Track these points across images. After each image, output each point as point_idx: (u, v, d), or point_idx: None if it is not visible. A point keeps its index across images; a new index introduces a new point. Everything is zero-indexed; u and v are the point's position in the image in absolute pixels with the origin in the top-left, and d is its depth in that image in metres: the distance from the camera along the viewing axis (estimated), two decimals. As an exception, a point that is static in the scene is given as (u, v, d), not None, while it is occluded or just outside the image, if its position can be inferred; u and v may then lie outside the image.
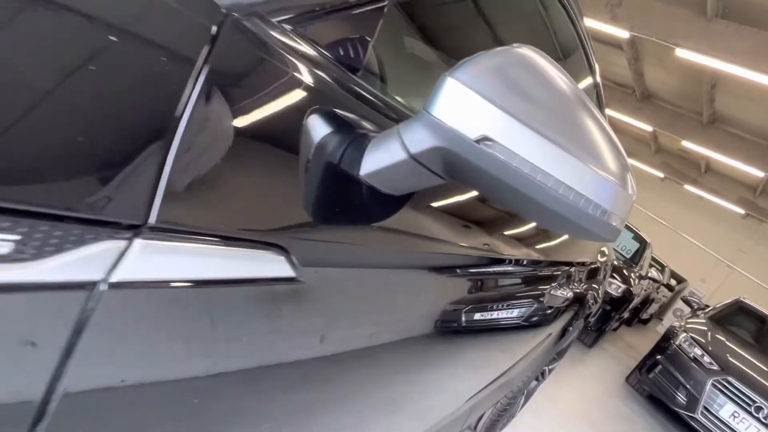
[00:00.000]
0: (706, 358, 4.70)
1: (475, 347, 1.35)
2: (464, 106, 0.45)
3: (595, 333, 5.74)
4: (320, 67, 0.49)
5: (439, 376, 1.12)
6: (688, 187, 14.66)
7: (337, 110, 0.50)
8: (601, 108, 2.18)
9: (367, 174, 0.49)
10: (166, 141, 0.34)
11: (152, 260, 0.34)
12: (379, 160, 0.48)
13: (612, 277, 5.66)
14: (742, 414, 4.29)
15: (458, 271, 0.97)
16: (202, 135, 0.37)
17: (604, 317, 5.58)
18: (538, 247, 1.45)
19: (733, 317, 5.87)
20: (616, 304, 5.61)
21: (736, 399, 4.37)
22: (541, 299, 1.52)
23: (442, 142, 0.45)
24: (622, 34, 7.62)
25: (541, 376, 2.63)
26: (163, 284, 0.36)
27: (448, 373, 1.18)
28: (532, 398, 2.91)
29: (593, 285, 2.24)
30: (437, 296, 0.87)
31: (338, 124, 0.49)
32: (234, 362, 0.46)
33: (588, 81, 1.96)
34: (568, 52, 1.76)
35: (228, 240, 0.39)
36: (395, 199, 0.56)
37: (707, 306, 6.72)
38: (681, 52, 7.03)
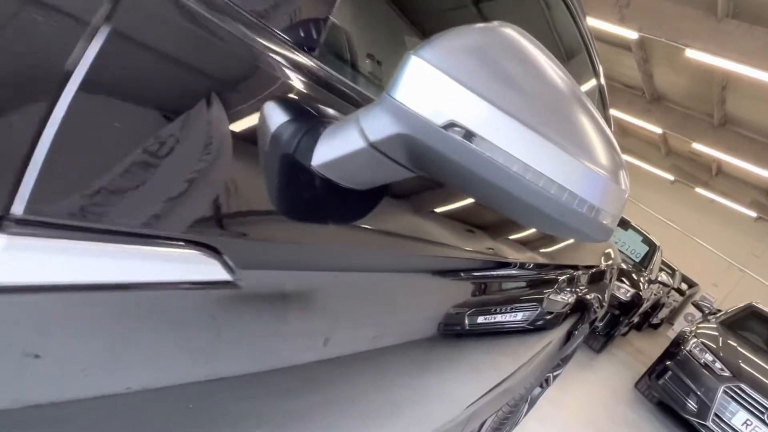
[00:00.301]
0: (718, 364, 4.59)
1: (474, 352, 1.31)
2: (430, 88, 0.40)
3: (603, 338, 5.64)
4: (259, 38, 0.43)
5: (436, 382, 1.08)
6: (699, 190, 14.47)
7: (292, 95, 0.45)
8: (605, 110, 2.12)
9: (321, 165, 0.43)
10: (42, 107, 0.28)
11: (17, 260, 0.29)
12: (334, 149, 0.42)
13: (620, 281, 5.57)
14: (755, 422, 4.18)
15: (448, 273, 0.92)
16: (96, 102, 0.30)
17: (613, 322, 5.48)
18: (539, 250, 1.40)
19: (746, 322, 5.74)
20: (625, 308, 5.51)
21: (748, 406, 4.25)
22: (542, 304, 1.46)
23: (405, 129, 0.40)
24: (631, 35, 7.53)
25: (545, 383, 2.56)
26: (39, 290, 0.30)
27: (445, 379, 1.15)
28: (537, 405, 2.84)
29: (598, 289, 2.18)
30: (415, 300, 0.81)
31: (291, 108, 0.44)
32: (147, 379, 0.39)
33: (592, 83, 1.91)
34: (572, 53, 1.72)
35: (140, 238, 0.34)
36: (360, 195, 0.50)
37: (719, 311, 6.59)
38: (691, 53, 6.93)
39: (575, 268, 1.69)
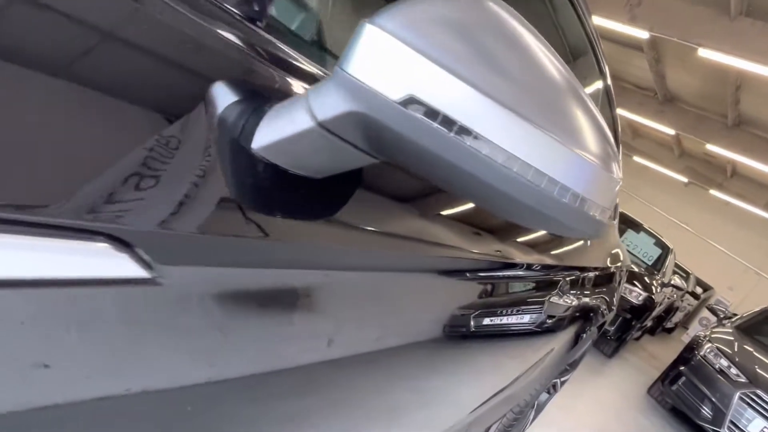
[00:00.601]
0: (733, 370, 4.48)
1: (478, 356, 1.26)
2: (387, 60, 0.35)
3: (614, 342, 5.53)
4: (196, 8, 0.39)
5: (439, 385, 1.05)
6: (713, 192, 14.25)
7: (232, 71, 0.41)
8: (612, 111, 2.06)
9: (263, 147, 0.38)
10: None
11: None
12: (278, 129, 0.38)
13: (632, 284, 5.47)
14: (773, 429, 4.07)
15: (447, 273, 0.88)
16: None
17: (624, 326, 5.38)
18: (544, 251, 1.35)
19: (762, 326, 5.60)
20: (637, 312, 5.40)
21: (766, 413, 4.14)
22: (547, 306, 1.41)
23: (358, 106, 0.35)
24: (642, 34, 7.42)
25: (552, 389, 2.49)
26: None
27: (449, 383, 1.12)
28: (544, 411, 2.76)
29: (606, 292, 2.11)
30: (410, 302, 0.77)
31: (231, 87, 0.39)
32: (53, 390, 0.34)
33: (598, 84, 1.86)
34: (578, 53, 1.67)
35: (33, 227, 0.29)
36: (322, 185, 0.45)
37: (734, 315, 6.45)
38: (704, 52, 6.81)
39: (582, 269, 1.63)
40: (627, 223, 6.85)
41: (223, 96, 0.40)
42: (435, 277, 0.83)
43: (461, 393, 1.22)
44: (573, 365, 2.50)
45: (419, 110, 0.35)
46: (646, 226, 6.89)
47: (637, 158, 15.45)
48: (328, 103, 0.36)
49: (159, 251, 0.35)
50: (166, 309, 0.37)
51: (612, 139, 0.48)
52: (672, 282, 6.54)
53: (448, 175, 0.39)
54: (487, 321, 1.11)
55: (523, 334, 1.44)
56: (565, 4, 1.41)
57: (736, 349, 4.74)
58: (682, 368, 4.78)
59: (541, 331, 1.56)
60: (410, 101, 0.35)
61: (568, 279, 1.52)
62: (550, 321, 1.30)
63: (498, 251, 1.05)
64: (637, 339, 7.74)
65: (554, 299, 1.24)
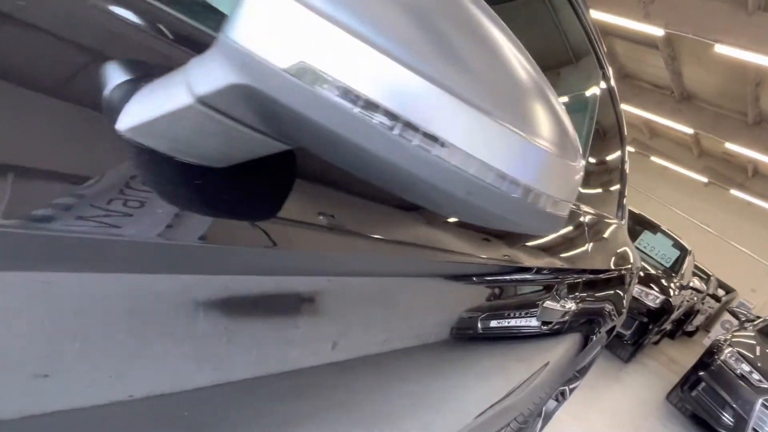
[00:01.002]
0: (755, 375, 4.32)
1: (478, 362, 1.21)
2: (276, 22, 0.29)
3: (631, 347, 5.38)
4: None
5: (438, 391, 1.01)
6: (734, 192, 13.92)
7: (105, 41, 0.35)
8: (616, 111, 1.97)
9: (132, 128, 0.33)
10: None
11: None
12: (152, 107, 0.32)
13: (649, 287, 5.32)
14: (797, 437, 3.90)
15: (443, 277, 0.84)
16: None
17: (641, 330, 5.23)
18: (546, 252, 1.29)
19: (786, 330, 5.41)
20: (654, 316, 5.25)
21: (789, 421, 3.98)
22: (550, 310, 1.34)
23: (242, 77, 0.30)
24: (657, 32, 7.27)
25: (560, 396, 2.40)
26: None
27: (450, 388, 1.08)
28: (554, 419, 2.67)
29: (615, 295, 2.02)
30: (399, 306, 0.72)
31: (101, 59, 0.34)
32: None
33: (602, 85, 1.79)
34: (580, 55, 1.61)
35: None
36: (221, 175, 0.39)
37: (757, 317, 6.25)
38: (721, 49, 6.65)
39: (587, 272, 1.56)
40: (644, 225, 6.69)
41: (110, 76, 0.34)
42: (432, 280, 0.81)
43: (463, 399, 1.17)
44: (582, 372, 2.41)
45: (311, 79, 0.29)
46: (663, 227, 6.73)
47: (654, 158, 15.18)
48: (209, 76, 0.30)
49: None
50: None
51: (568, 122, 0.41)
52: (691, 284, 6.36)
53: (363, 162, 0.33)
54: (489, 326, 1.08)
55: (521, 340, 1.37)
56: (564, 5, 1.35)
57: (758, 354, 4.57)
58: (701, 373, 4.63)
59: (546, 336, 1.49)
60: (301, 69, 0.29)
61: (566, 282, 1.45)
62: (546, 326, 1.23)
63: (499, 254, 1.02)
64: (656, 343, 7.55)
65: (549, 303, 1.17)
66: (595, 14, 7.56)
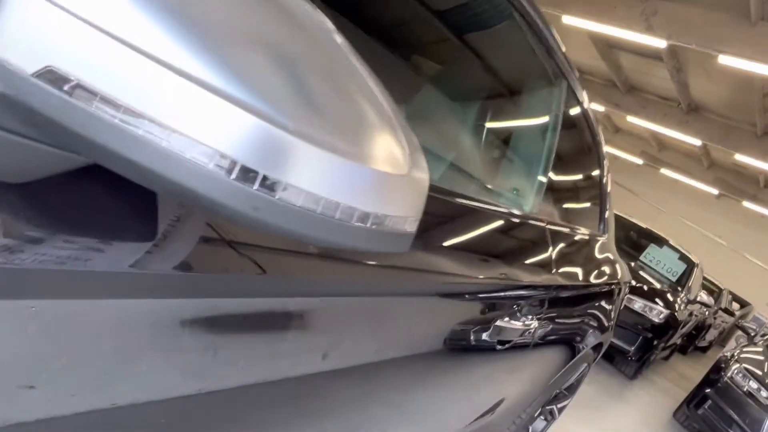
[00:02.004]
0: (764, 393, 4.19)
1: (450, 380, 1.17)
2: (29, 26, 0.27)
3: (636, 363, 5.26)
4: None
5: (414, 407, 1.02)
6: (746, 203, 13.70)
7: None
8: (593, 136, 1.93)
9: None
10: None
11: None
12: None
13: (653, 301, 5.22)
14: (808, 458, 3.76)
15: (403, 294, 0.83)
16: None
17: (645, 346, 5.11)
18: (523, 266, 1.26)
19: (798, 345, 5.26)
20: (659, 331, 5.13)
21: (800, 440, 3.84)
22: (529, 326, 1.30)
23: None
24: (660, 43, 7.23)
25: (549, 415, 2.33)
26: None
27: (427, 403, 1.07)
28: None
29: (598, 309, 1.96)
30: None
31: None
32: None
33: (576, 109, 1.76)
34: (552, 83, 1.57)
35: None
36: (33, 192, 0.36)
37: (768, 332, 6.09)
38: (724, 59, 6.59)
39: (563, 287, 1.51)
40: (649, 238, 6.59)
41: None
42: (405, 299, 0.83)
43: (442, 411, 1.16)
44: (570, 390, 2.34)
45: (60, 84, 0.27)
46: (670, 240, 6.62)
47: (664, 171, 15.02)
48: None
49: None
50: None
51: (405, 139, 0.38)
52: (699, 298, 6.22)
53: (142, 175, 0.30)
54: (464, 341, 1.07)
55: (504, 357, 1.33)
56: (530, 37, 1.32)
57: (766, 370, 4.44)
58: (708, 390, 4.50)
59: (524, 352, 1.45)
60: (48, 73, 0.27)
61: (535, 298, 1.41)
62: (508, 343, 1.18)
63: (479, 268, 1.04)
64: (666, 359, 7.39)
65: (508, 321, 1.13)
66: (598, 27, 7.54)
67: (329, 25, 0.38)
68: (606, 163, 2.05)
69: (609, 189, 2.13)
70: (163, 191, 0.31)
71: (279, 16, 0.34)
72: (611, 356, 5.34)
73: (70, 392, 0.40)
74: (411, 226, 0.38)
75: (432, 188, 0.82)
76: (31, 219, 0.35)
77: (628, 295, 5.09)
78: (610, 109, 11.70)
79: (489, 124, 1.53)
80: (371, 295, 0.73)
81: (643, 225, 6.85)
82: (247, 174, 0.29)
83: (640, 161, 15.47)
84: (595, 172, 2.01)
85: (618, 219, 6.94)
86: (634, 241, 6.65)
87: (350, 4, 1.00)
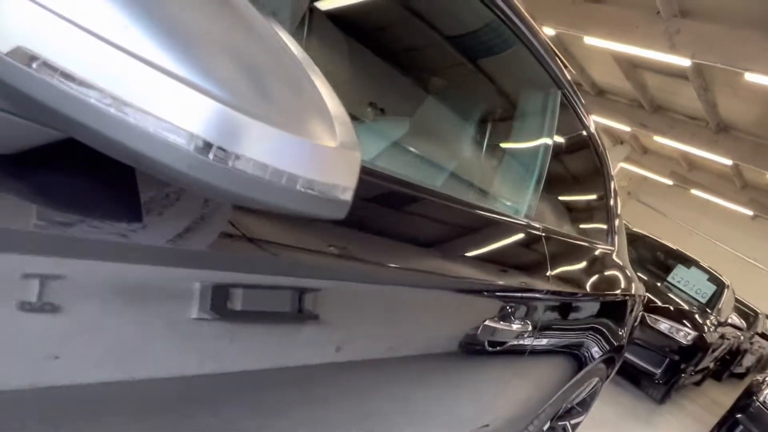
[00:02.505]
0: (798, 418, 4.00)
1: (452, 389, 1.19)
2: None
3: (663, 386, 5.10)
4: None
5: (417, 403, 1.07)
6: (784, 225, 13.26)
7: None
8: (600, 158, 1.95)
9: None
10: None
11: None
12: None
13: (680, 323, 5.08)
14: None
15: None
16: None
17: (673, 368, 4.96)
18: (531, 273, 1.30)
19: (837, 371, 5.02)
20: (686, 353, 4.98)
21: (837, 469, 3.65)
22: (533, 334, 1.31)
23: None
24: (684, 62, 7.16)
25: None
26: None
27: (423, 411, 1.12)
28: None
29: (613, 321, 1.95)
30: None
31: None
32: None
33: (582, 133, 1.79)
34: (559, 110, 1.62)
35: None
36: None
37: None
38: (751, 77, 6.48)
39: (567, 294, 1.52)
40: (676, 258, 6.45)
41: None
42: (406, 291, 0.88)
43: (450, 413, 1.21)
44: (583, 405, 2.31)
45: (24, 59, 0.32)
46: (699, 261, 6.45)
47: (695, 191, 14.67)
48: None
49: None
50: None
51: (339, 121, 0.43)
52: (729, 321, 6.02)
53: (96, 140, 0.35)
54: (467, 347, 1.10)
55: (508, 365, 1.34)
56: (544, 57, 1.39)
57: (801, 395, 4.25)
58: (738, 416, 4.31)
59: (531, 363, 1.46)
60: (22, 53, 0.33)
61: (557, 305, 1.43)
62: (501, 346, 1.20)
63: (485, 272, 1.09)
64: (698, 384, 7.12)
65: (501, 324, 1.15)
66: (621, 47, 7.52)
67: (267, 19, 0.43)
68: (612, 175, 2.05)
69: (616, 201, 2.13)
70: (134, 163, 0.37)
71: (222, 7, 0.39)
72: (637, 379, 5.20)
73: (91, 364, 0.46)
74: (346, 195, 0.43)
75: (447, 198, 1.01)
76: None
77: (653, 316, 4.97)
78: (637, 129, 11.56)
79: (495, 141, 1.57)
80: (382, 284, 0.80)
81: (671, 245, 6.71)
82: (203, 146, 0.34)
83: (669, 182, 15.17)
84: (600, 188, 2.02)
85: (643, 239, 6.83)
86: (660, 261, 6.51)
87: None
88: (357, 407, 0.88)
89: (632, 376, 5.19)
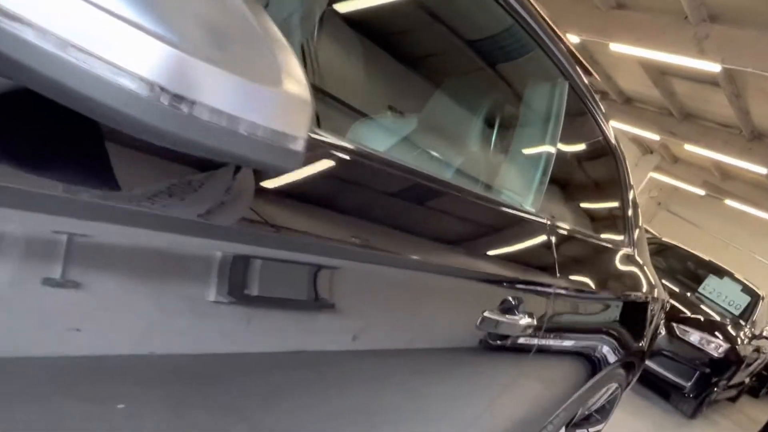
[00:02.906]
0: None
1: (460, 386, 1.17)
2: None
3: (694, 401, 4.91)
4: None
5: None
6: (825, 236, 12.73)
7: None
8: (614, 154, 1.91)
9: None
10: None
11: None
12: None
13: (712, 334, 4.90)
14: None
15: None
16: None
17: (703, 382, 4.77)
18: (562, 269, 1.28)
19: None
20: (718, 366, 4.79)
21: None
22: (542, 330, 1.28)
23: None
24: (714, 68, 6.99)
25: (579, 439, 2.22)
26: None
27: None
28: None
29: (619, 324, 1.88)
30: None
31: None
32: None
33: (597, 139, 1.77)
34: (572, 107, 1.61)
35: None
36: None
37: None
38: (784, 82, 6.28)
39: (576, 291, 1.48)
40: (708, 269, 6.25)
41: None
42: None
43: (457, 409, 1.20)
44: (602, 413, 2.23)
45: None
46: (732, 272, 6.24)
47: (730, 202, 14.23)
48: None
49: None
50: None
51: (293, 73, 0.43)
52: (764, 333, 5.78)
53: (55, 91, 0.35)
54: (460, 334, 1.07)
55: (516, 363, 1.31)
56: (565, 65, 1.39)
57: (842, 412, 4.04)
58: (774, 432, 4.13)
59: (542, 361, 1.42)
60: None
61: (534, 297, 1.39)
62: (496, 343, 1.17)
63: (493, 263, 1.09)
64: (733, 400, 6.84)
65: (496, 316, 1.11)
66: (648, 53, 7.39)
67: None
68: (628, 176, 2.00)
69: (633, 200, 2.07)
70: (89, 113, 0.36)
71: None
72: (666, 392, 5.02)
73: (111, 337, 0.49)
74: (297, 145, 0.42)
75: (467, 192, 1.05)
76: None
77: (682, 327, 4.82)
78: (666, 137, 11.31)
79: (512, 138, 1.55)
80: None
81: (703, 255, 6.51)
82: (156, 90, 0.34)
83: (702, 192, 14.75)
84: (615, 183, 1.97)
85: (673, 249, 6.64)
86: (691, 271, 6.32)
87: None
88: (357, 397, 0.89)
89: (660, 389, 5.02)
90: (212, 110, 0.36)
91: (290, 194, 0.64)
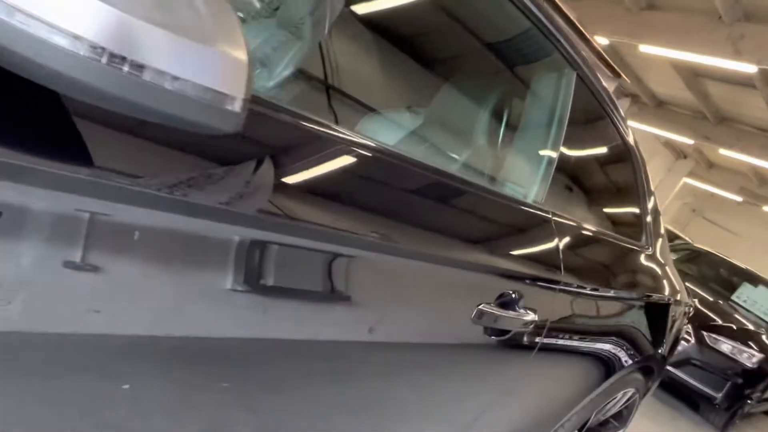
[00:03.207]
0: None
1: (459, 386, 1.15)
2: None
3: (725, 412, 4.72)
4: None
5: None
6: None
7: None
8: (629, 151, 1.86)
9: None
10: None
11: None
12: None
13: (746, 344, 4.71)
14: None
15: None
16: None
17: (735, 393, 4.59)
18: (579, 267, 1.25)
19: None
20: (751, 377, 4.60)
21: None
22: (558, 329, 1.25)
23: None
24: (750, 69, 6.77)
25: (595, 446, 2.16)
26: None
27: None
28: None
29: (635, 325, 1.82)
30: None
31: None
32: None
33: (617, 144, 1.75)
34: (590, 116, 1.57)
35: None
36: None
37: None
38: (824, 82, 6.03)
39: (589, 290, 1.44)
40: (742, 276, 6.03)
41: None
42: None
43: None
44: (619, 419, 2.16)
45: None
46: (768, 279, 6.00)
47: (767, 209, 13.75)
48: None
49: None
50: None
51: (232, 38, 0.42)
52: (802, 345, 5.52)
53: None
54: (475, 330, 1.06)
55: (528, 362, 1.29)
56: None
57: None
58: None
59: (555, 361, 1.39)
60: None
61: (585, 301, 1.38)
62: (498, 338, 1.14)
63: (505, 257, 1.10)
64: (768, 414, 6.56)
65: (497, 310, 1.09)
66: (680, 55, 7.21)
67: None
68: (644, 168, 1.94)
69: (652, 198, 2.00)
70: (33, 77, 0.37)
71: None
72: (695, 402, 4.85)
73: (130, 319, 0.51)
74: (235, 106, 0.42)
75: (476, 187, 1.07)
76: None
77: (713, 336, 4.66)
78: (700, 142, 10.98)
79: (527, 134, 1.53)
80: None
81: (737, 262, 6.29)
82: (94, 50, 0.34)
83: (739, 198, 14.27)
84: (630, 179, 1.91)
85: (706, 255, 6.43)
86: (724, 279, 6.11)
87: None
88: (370, 390, 0.91)
89: (689, 399, 4.86)
90: (151, 70, 0.36)
91: (302, 187, 0.67)
